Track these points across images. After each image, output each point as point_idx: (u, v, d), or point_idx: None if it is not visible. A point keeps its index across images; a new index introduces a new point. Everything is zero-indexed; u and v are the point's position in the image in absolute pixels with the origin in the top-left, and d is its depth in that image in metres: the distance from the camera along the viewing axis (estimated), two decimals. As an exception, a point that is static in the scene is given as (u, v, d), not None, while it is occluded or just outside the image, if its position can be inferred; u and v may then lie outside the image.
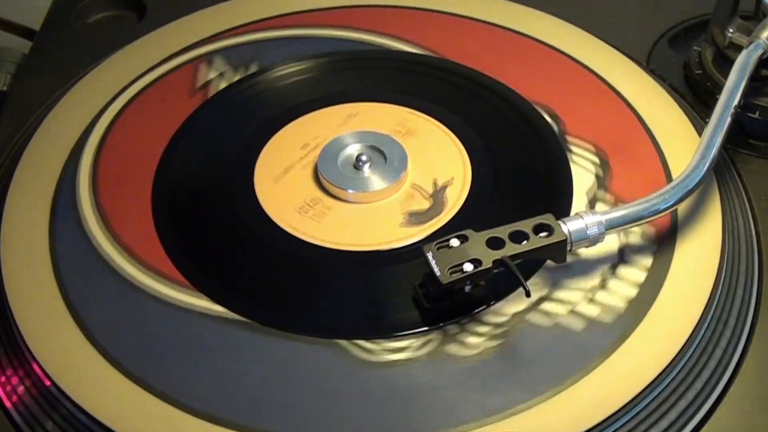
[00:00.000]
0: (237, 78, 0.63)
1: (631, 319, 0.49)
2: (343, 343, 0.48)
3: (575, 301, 0.50)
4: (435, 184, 0.55)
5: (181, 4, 0.69)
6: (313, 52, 0.65)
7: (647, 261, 0.52)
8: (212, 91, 0.62)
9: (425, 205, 0.55)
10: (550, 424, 0.45)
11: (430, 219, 0.54)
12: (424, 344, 0.48)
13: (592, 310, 0.50)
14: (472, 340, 0.48)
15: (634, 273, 0.51)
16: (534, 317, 0.49)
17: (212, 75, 0.63)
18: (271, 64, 0.64)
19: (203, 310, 0.50)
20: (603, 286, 0.51)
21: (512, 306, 0.50)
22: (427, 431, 0.45)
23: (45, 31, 0.71)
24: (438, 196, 0.55)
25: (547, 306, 0.50)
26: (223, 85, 0.63)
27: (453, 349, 0.48)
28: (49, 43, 0.69)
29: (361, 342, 0.48)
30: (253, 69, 0.64)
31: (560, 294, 0.50)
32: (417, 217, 0.54)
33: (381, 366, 0.48)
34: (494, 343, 0.48)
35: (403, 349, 0.48)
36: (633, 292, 0.50)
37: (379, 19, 0.67)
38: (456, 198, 0.55)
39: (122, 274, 0.51)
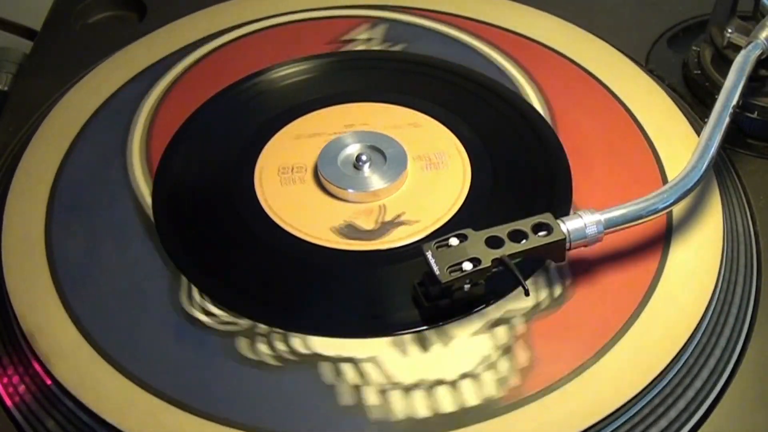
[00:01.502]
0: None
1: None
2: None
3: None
4: (396, 216, 0.54)
5: (182, 4, 0.70)
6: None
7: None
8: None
9: (369, 226, 0.54)
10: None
11: (360, 239, 0.53)
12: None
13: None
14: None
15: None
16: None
17: None
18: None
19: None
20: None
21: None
22: None
23: (46, 32, 0.71)
24: (385, 227, 0.53)
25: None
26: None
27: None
28: (50, 43, 0.69)
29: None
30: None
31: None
32: (351, 232, 0.53)
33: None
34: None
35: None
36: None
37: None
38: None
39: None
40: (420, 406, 0.46)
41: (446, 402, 0.46)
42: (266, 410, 0.46)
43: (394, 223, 0.54)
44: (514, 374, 0.47)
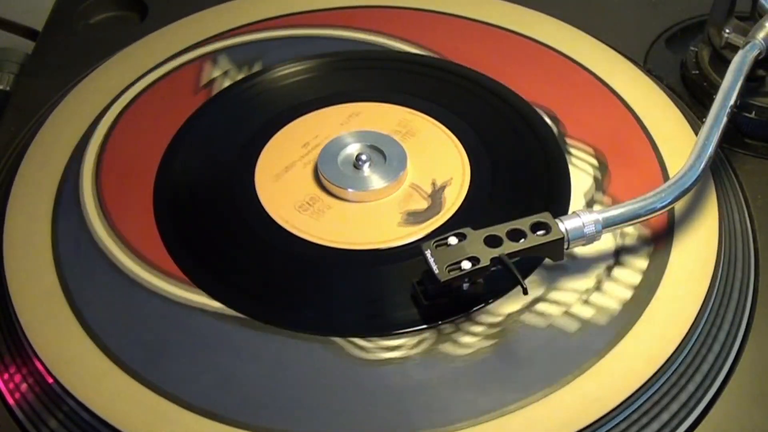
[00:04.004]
0: (240, 77, 0.63)
1: (626, 319, 0.49)
2: (339, 340, 0.48)
3: (570, 302, 0.50)
4: (434, 184, 0.56)
5: (183, 5, 0.70)
6: (315, 52, 0.65)
7: (643, 260, 0.52)
8: (216, 90, 0.63)
9: (423, 204, 0.55)
10: (544, 424, 0.46)
11: (428, 219, 0.54)
12: (419, 343, 0.49)
13: (586, 312, 0.50)
14: (467, 339, 0.49)
15: (630, 273, 0.51)
16: (528, 318, 0.49)
17: (216, 73, 0.64)
18: (273, 63, 0.64)
19: (203, 306, 0.50)
20: (598, 287, 0.51)
21: (507, 306, 0.50)
22: (419, 430, 0.45)
23: (47, 32, 0.71)
24: (436, 196, 0.55)
25: (541, 307, 0.50)
26: (227, 83, 0.63)
27: (447, 348, 0.48)
28: (52, 43, 0.70)
29: (356, 340, 0.49)
30: (257, 68, 0.64)
31: (555, 295, 0.51)
32: (415, 217, 0.54)
33: (375, 364, 0.48)
34: (488, 342, 0.48)
35: (397, 348, 0.48)
36: (628, 292, 0.51)
37: (381, 19, 0.68)
38: (455, 197, 0.56)
39: (124, 271, 0.52)
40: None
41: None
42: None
43: (440, 189, 0.55)
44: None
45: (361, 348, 0.48)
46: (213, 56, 0.65)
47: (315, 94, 0.62)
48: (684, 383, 0.48)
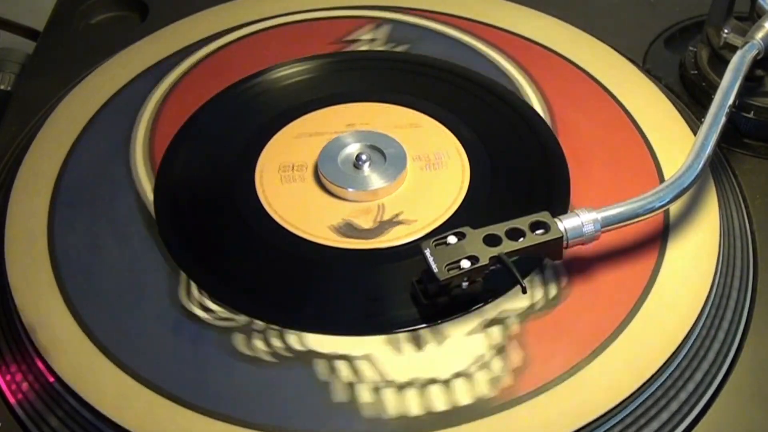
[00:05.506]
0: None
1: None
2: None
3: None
4: (394, 215, 0.55)
5: (183, 5, 0.70)
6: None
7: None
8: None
9: (367, 225, 0.54)
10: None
11: (359, 238, 0.53)
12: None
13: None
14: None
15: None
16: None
17: None
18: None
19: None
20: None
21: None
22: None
23: (48, 32, 0.71)
24: (383, 226, 0.54)
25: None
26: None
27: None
28: (53, 43, 0.70)
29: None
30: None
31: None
32: (349, 230, 0.53)
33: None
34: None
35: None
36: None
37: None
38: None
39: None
40: (413, 405, 0.46)
41: (439, 400, 0.46)
42: (261, 406, 0.46)
43: (392, 222, 0.54)
44: (506, 374, 0.47)
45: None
46: None
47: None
48: (683, 383, 0.48)
